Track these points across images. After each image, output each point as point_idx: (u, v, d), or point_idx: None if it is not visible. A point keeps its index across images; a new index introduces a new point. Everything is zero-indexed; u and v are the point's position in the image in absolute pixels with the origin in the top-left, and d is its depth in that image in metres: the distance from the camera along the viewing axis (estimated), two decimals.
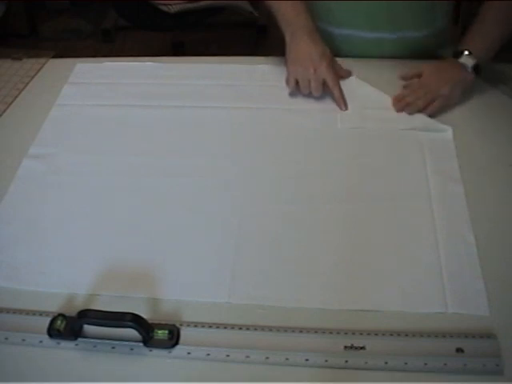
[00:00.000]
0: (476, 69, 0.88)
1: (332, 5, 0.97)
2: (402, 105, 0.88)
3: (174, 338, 0.59)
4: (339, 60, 0.97)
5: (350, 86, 0.94)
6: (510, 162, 0.79)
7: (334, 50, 0.95)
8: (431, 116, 0.87)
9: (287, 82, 0.93)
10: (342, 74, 0.93)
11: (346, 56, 0.99)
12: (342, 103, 0.90)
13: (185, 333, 0.60)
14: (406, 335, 0.59)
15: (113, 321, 0.57)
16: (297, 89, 0.92)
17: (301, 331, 0.60)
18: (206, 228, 0.72)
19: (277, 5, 0.93)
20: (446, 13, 1.00)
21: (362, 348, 0.58)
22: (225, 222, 0.73)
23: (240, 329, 0.60)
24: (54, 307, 0.64)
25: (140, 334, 0.58)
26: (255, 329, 0.60)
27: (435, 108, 0.87)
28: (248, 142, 0.85)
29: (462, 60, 0.88)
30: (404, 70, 0.96)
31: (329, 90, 0.90)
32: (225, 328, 0.60)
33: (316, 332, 0.60)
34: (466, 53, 0.87)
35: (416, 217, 0.72)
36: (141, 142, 0.86)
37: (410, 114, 0.87)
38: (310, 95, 0.92)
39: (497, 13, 0.87)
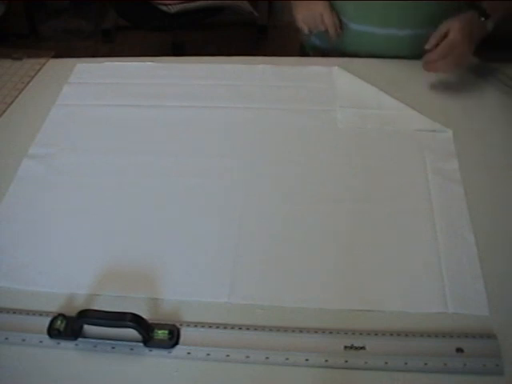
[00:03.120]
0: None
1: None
2: (433, 68, 0.89)
3: (174, 337, 0.59)
4: (340, 60, 0.98)
5: (349, 85, 0.94)
6: (509, 162, 0.79)
7: (346, 44, 1.00)
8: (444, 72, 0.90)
9: (301, 28, 1.04)
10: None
11: (357, 52, 1.01)
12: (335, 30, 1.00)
13: (185, 333, 0.60)
14: (406, 335, 0.59)
15: (113, 321, 0.58)
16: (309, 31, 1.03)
17: (301, 331, 0.60)
18: (206, 228, 0.72)
19: None
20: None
21: (362, 348, 0.58)
22: (225, 222, 0.73)
23: (240, 329, 0.60)
24: (54, 307, 0.64)
25: (140, 333, 0.58)
26: (255, 329, 0.60)
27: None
28: (248, 142, 0.85)
29: (488, 25, 0.86)
30: (405, 70, 0.96)
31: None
32: (225, 328, 0.60)
33: (316, 332, 0.60)
34: (490, 19, 0.86)
35: (416, 217, 0.72)
36: (141, 142, 0.86)
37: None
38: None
39: None
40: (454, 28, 0.85)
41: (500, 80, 0.92)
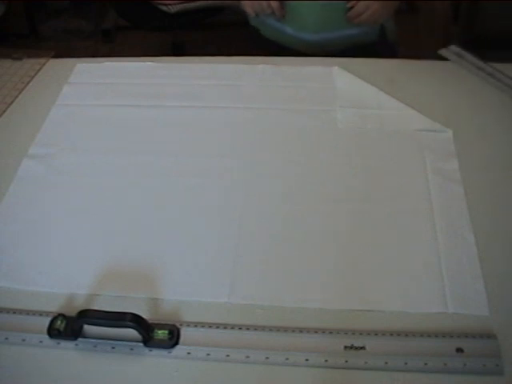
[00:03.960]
0: None
1: None
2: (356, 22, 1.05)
3: (174, 337, 0.59)
4: (340, 60, 0.98)
5: (349, 85, 0.94)
6: (510, 162, 0.79)
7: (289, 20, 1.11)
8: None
9: (247, 13, 1.12)
10: None
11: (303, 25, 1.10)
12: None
13: (185, 333, 0.60)
14: (406, 335, 0.59)
15: (113, 321, 0.58)
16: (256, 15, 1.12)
17: (301, 331, 0.60)
18: (206, 228, 0.72)
19: None
20: None
21: (362, 348, 0.58)
22: (225, 222, 0.73)
23: (240, 329, 0.60)
24: (54, 307, 0.64)
25: (140, 334, 0.58)
26: (255, 329, 0.60)
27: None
28: (248, 142, 0.85)
29: None
30: (405, 70, 0.96)
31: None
32: (225, 328, 0.60)
33: (316, 332, 0.60)
34: None
35: (416, 217, 0.72)
36: (141, 142, 0.86)
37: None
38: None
39: None
40: None
41: (500, 80, 0.92)
